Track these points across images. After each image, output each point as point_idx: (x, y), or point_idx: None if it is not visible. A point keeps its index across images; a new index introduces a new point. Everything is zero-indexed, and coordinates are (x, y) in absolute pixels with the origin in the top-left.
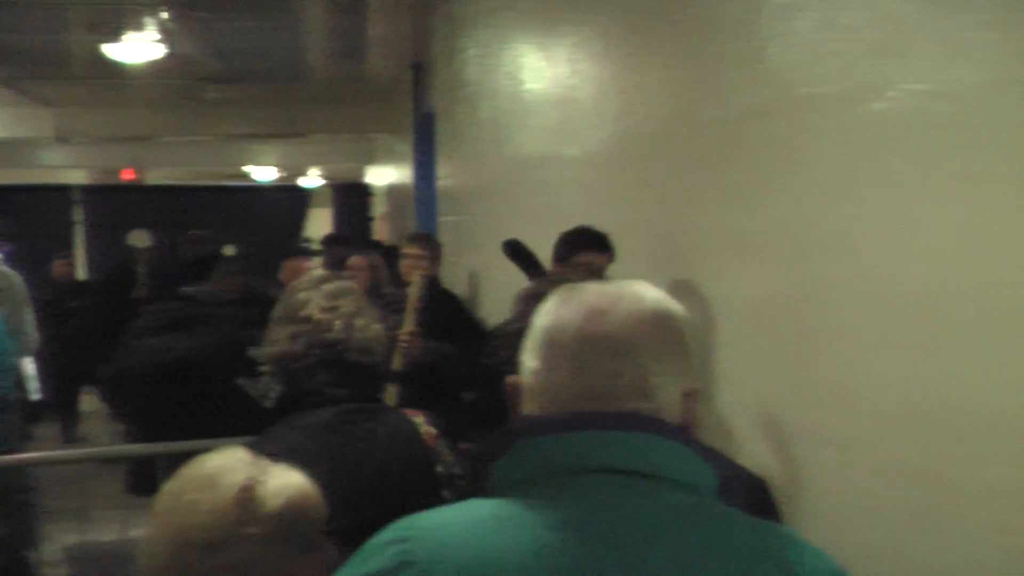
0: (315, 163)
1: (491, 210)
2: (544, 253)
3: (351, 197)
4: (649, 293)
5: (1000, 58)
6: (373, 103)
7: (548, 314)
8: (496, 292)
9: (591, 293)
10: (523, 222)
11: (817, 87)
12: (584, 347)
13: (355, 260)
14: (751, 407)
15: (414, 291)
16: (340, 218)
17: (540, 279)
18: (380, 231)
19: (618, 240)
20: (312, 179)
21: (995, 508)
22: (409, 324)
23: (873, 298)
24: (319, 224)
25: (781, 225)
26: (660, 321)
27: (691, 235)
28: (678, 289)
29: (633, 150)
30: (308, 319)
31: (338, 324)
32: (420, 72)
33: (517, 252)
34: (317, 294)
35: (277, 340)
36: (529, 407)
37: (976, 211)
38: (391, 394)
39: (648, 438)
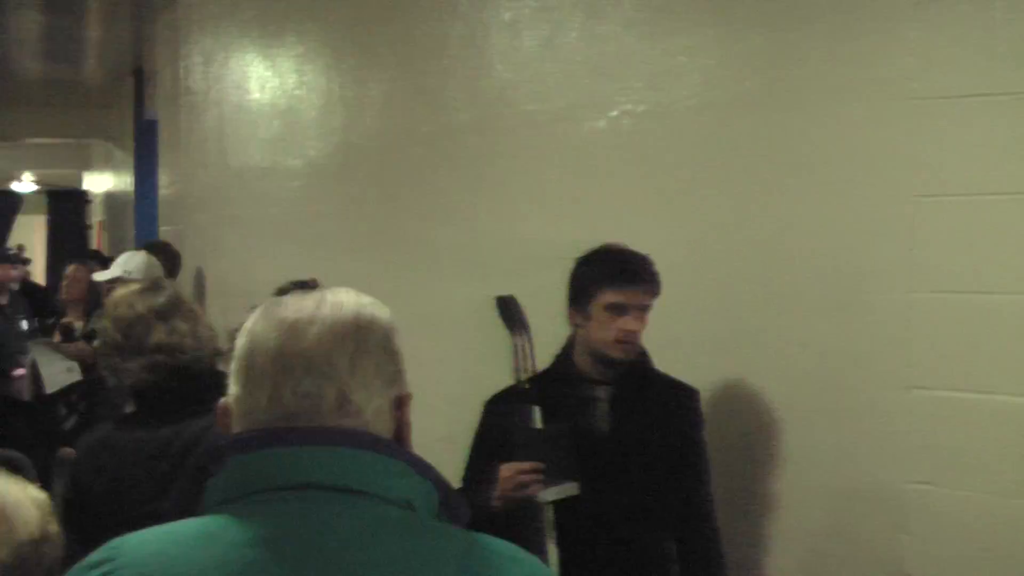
0: (27, 168)
1: (213, 220)
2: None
3: (67, 204)
4: (351, 301)
5: (709, 81)
6: (92, 108)
7: (246, 333)
8: (224, 300)
9: (289, 307)
10: (247, 232)
11: (538, 104)
12: (280, 369)
13: (73, 270)
14: (471, 418)
15: None
16: (55, 226)
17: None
18: (98, 240)
19: (341, 252)
20: (25, 184)
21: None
22: None
23: None
24: (31, 232)
25: (498, 239)
26: (362, 331)
27: (412, 247)
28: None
29: (359, 162)
30: (159, 348)
31: (188, 343)
32: (142, 79)
33: (504, 310)
34: (152, 316)
35: (127, 371)
36: (237, 430)
37: (688, 226)
38: None
39: (355, 453)
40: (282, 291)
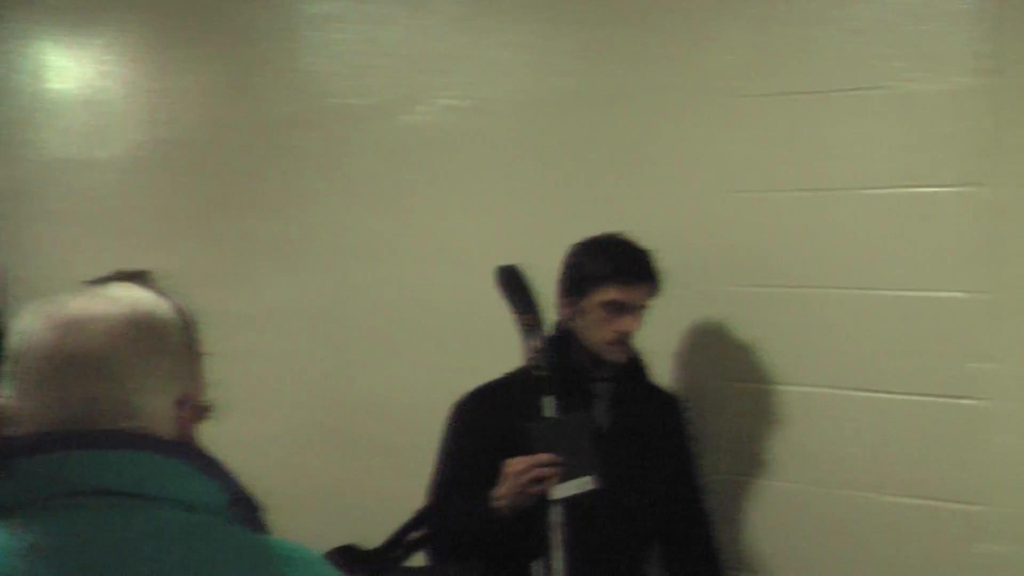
0: None
1: (11, 214)
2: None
3: None
4: (130, 298)
5: (532, 76)
6: None
7: (20, 333)
8: (37, 298)
9: (65, 305)
10: (55, 227)
11: (357, 98)
12: (56, 372)
13: None
14: (294, 416)
15: None
16: None
17: None
18: None
19: (160, 246)
20: None
21: None
22: None
23: (407, 306)
24: None
25: (319, 233)
26: (141, 330)
27: (229, 242)
28: (213, 296)
29: (170, 155)
30: None
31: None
32: None
33: (510, 282)
34: None
35: None
36: (11, 434)
37: (506, 221)
38: None
39: (136, 456)
40: (105, 281)
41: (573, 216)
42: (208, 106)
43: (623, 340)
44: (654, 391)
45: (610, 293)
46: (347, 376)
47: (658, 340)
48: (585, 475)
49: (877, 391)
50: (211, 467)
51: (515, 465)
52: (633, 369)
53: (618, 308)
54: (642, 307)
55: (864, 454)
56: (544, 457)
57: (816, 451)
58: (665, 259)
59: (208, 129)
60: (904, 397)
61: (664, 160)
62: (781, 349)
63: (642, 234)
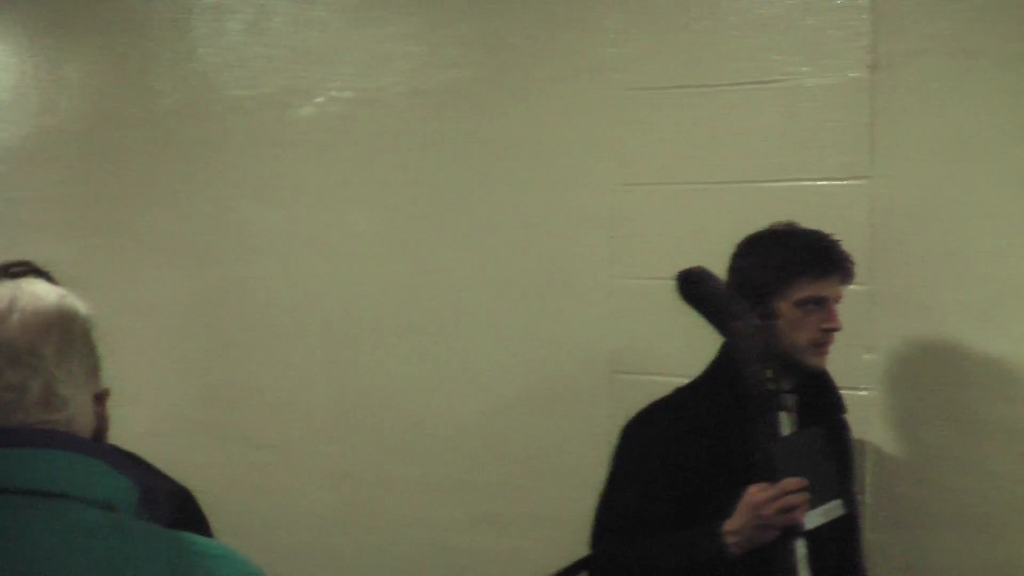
0: None
1: None
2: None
3: None
4: (50, 293)
5: (417, 68)
6: None
7: None
8: None
9: None
10: None
11: (245, 90)
12: None
13: None
14: (179, 411)
15: None
16: None
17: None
18: None
19: (42, 239)
20: None
21: (410, 502)
22: None
23: (295, 299)
24: None
25: (205, 225)
26: (64, 323)
27: (115, 233)
28: (100, 288)
29: (59, 146)
30: None
31: None
32: None
33: (702, 289)
34: None
35: None
36: None
37: (397, 213)
38: None
39: (52, 454)
40: None
41: (461, 208)
42: (96, 97)
43: (828, 340)
44: (837, 397)
45: (805, 289)
46: (231, 370)
47: (546, 331)
48: (832, 499)
49: None
50: (123, 464)
51: (757, 495)
52: (819, 374)
53: (816, 304)
54: (839, 299)
55: None
56: (793, 482)
57: None
58: (552, 251)
59: (96, 120)
60: None
61: (554, 152)
62: (672, 341)
63: (532, 226)
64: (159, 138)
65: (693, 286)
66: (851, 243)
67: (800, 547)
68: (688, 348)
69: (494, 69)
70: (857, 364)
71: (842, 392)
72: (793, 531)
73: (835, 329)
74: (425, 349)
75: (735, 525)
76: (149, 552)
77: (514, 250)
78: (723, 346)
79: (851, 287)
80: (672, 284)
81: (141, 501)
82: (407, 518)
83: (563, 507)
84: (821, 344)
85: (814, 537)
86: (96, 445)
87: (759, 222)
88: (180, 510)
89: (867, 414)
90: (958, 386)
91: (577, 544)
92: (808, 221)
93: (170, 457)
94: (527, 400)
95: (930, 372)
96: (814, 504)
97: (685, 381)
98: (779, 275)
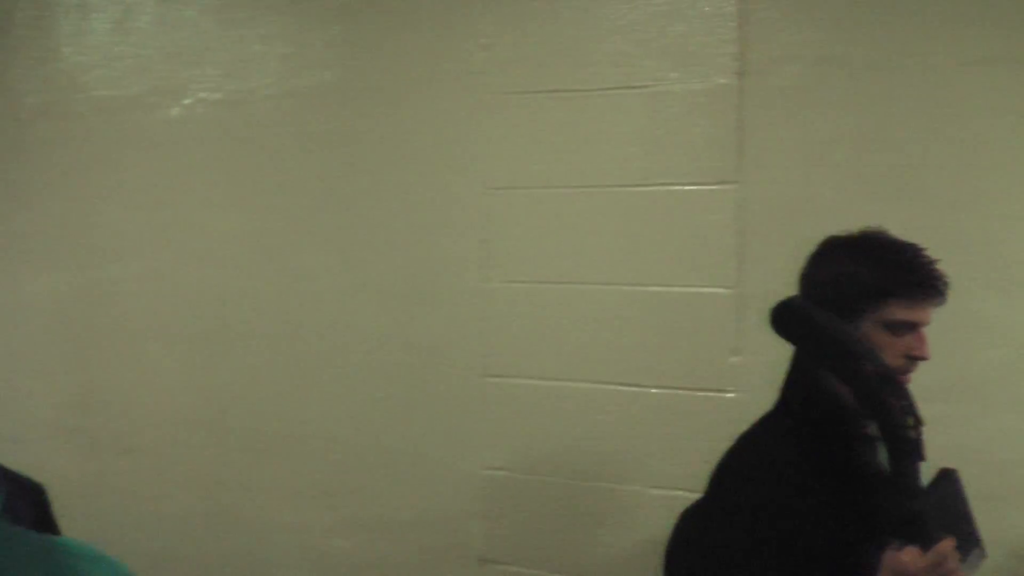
0: None
1: None
2: None
3: None
4: None
5: (286, 70)
6: None
7: None
8: None
9: None
10: None
11: (111, 90)
12: None
13: None
14: (44, 416)
15: None
16: None
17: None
18: None
19: None
20: None
21: (278, 507)
22: None
23: (161, 303)
24: None
25: (69, 227)
26: None
27: None
28: None
29: None
30: None
31: None
32: None
33: (798, 328)
34: None
35: None
36: None
37: (264, 215)
38: None
39: None
40: None
41: (330, 211)
42: None
43: (912, 369)
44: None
45: (895, 312)
46: (95, 375)
47: (417, 335)
48: (975, 547)
49: (629, 385)
50: None
51: (909, 564)
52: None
53: (907, 328)
54: (928, 323)
55: (620, 447)
56: (947, 545)
57: (570, 445)
58: (422, 255)
59: None
60: (660, 391)
61: (420, 155)
62: (535, 344)
63: (401, 229)
64: (22, 138)
65: (798, 321)
66: (717, 246)
67: None
68: (553, 350)
69: (363, 71)
70: (723, 367)
71: (708, 395)
72: None
73: (923, 358)
74: (293, 353)
75: None
76: (23, 556)
77: (383, 253)
78: (810, 379)
79: (717, 290)
80: (539, 287)
81: (5, 506)
82: (274, 523)
83: (433, 512)
84: (905, 372)
85: None
86: None
87: (628, 225)
88: (36, 505)
89: (733, 416)
90: None
91: (444, 549)
92: (676, 224)
93: (34, 463)
94: (398, 404)
95: None
96: (963, 558)
97: (551, 384)
98: (867, 293)
